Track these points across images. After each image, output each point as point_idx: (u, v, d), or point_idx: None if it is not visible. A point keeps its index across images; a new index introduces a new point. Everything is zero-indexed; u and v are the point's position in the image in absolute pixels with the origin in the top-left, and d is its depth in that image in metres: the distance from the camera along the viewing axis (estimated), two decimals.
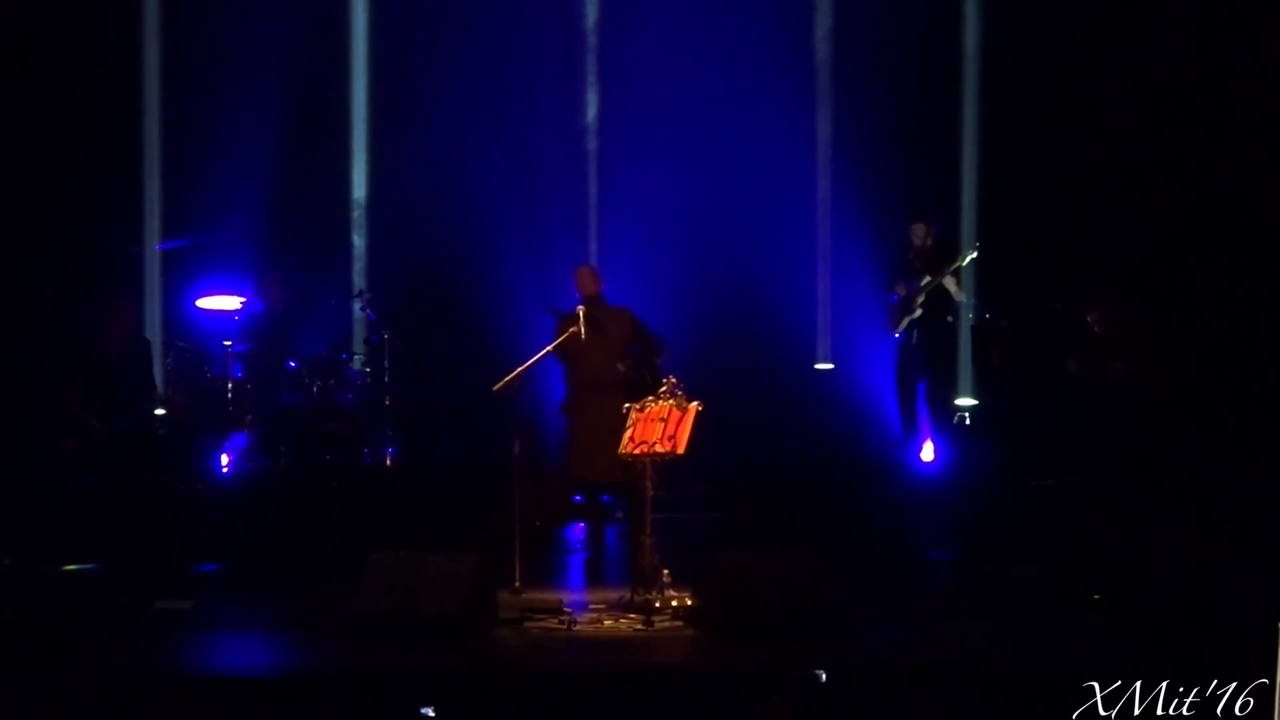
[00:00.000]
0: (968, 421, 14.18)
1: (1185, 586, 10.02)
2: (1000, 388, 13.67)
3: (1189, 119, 14.16)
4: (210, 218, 14.60)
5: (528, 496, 11.10)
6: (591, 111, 15.38)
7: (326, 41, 15.23)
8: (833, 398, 14.78)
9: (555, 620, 9.89)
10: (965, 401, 14.43)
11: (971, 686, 8.44)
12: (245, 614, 10.41)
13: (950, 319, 13.88)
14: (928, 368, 13.75)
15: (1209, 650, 8.48)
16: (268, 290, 13.92)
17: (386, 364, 13.83)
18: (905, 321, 13.72)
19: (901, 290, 13.75)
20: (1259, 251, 13.68)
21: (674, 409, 10.25)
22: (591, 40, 15.38)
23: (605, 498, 11.88)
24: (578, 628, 9.82)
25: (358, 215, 15.31)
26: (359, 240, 15.32)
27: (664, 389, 10.31)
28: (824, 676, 6.96)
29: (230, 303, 13.97)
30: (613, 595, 10.53)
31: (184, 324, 14.46)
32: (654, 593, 10.09)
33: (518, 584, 10.57)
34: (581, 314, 11.33)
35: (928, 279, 13.65)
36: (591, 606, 10.36)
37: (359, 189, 15.36)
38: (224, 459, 13.30)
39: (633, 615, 10.00)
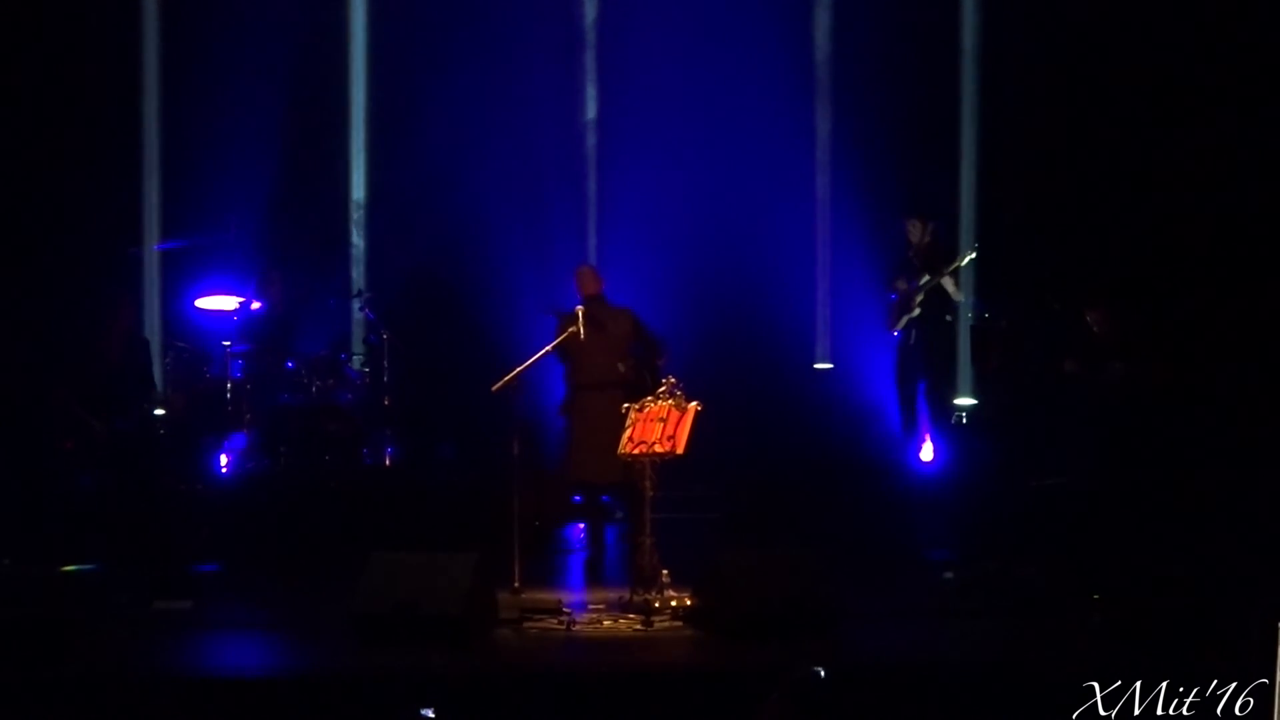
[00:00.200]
0: (965, 421, 14.18)
1: (1185, 586, 10.02)
2: (999, 388, 13.66)
3: (1189, 118, 14.16)
4: (210, 218, 14.60)
5: (527, 497, 11.08)
6: (591, 110, 15.38)
7: (326, 42, 15.22)
8: (832, 397, 14.77)
9: (555, 620, 9.88)
10: (964, 401, 14.44)
11: (971, 686, 8.44)
12: (245, 614, 10.41)
13: (949, 318, 13.88)
14: (927, 367, 13.74)
15: (1209, 650, 8.48)
16: (267, 290, 13.91)
17: (386, 364, 13.84)
18: (904, 320, 13.71)
19: (901, 287, 13.75)
20: (1259, 251, 13.69)
21: (673, 409, 10.24)
22: (590, 39, 15.38)
23: (605, 498, 11.88)
24: (577, 628, 9.82)
25: (357, 217, 15.31)
26: (359, 240, 15.32)
27: (663, 389, 10.30)
28: (823, 673, 6.94)
29: (229, 303, 13.97)
30: (612, 595, 10.52)
31: (183, 324, 14.46)
32: (653, 593, 10.08)
33: (517, 584, 10.56)
34: (580, 314, 11.32)
35: (926, 278, 13.65)
36: (591, 607, 10.36)
37: (359, 189, 15.36)
38: (223, 459, 13.30)
39: (632, 615, 9.99)
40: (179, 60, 14.92)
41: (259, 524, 12.38)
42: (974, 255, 13.94)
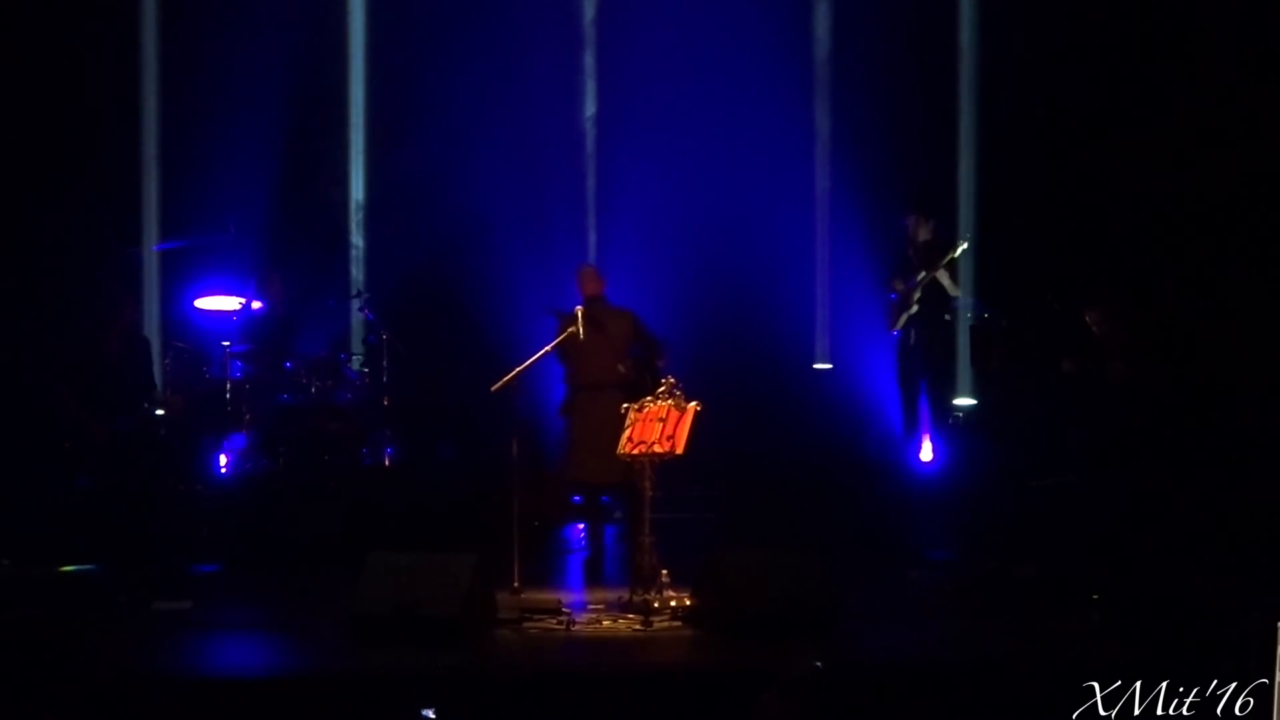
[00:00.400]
0: (965, 421, 14.17)
1: (1185, 586, 10.02)
2: (999, 388, 13.66)
3: (1188, 117, 14.16)
4: (209, 218, 14.58)
5: (527, 497, 11.08)
6: (590, 109, 15.38)
7: (325, 41, 15.22)
8: (832, 397, 14.76)
9: (554, 620, 9.88)
10: (964, 401, 14.43)
11: (971, 686, 8.43)
12: (244, 614, 10.41)
13: (948, 317, 13.88)
14: (927, 367, 13.74)
15: (1209, 650, 8.47)
16: (267, 291, 13.91)
17: (385, 364, 13.83)
18: (903, 318, 13.72)
19: (900, 287, 13.76)
20: (1259, 250, 13.68)
21: (672, 409, 10.23)
22: (590, 38, 15.38)
23: (604, 498, 11.88)
24: (576, 628, 9.81)
25: (358, 217, 15.30)
26: (359, 240, 15.32)
27: (662, 389, 10.30)
28: (820, 666, 6.95)
29: (229, 303, 13.96)
30: (611, 595, 10.52)
31: (183, 324, 14.45)
32: (653, 593, 10.08)
33: (517, 584, 10.56)
34: (580, 314, 11.31)
35: (923, 274, 13.66)
36: (590, 607, 10.36)
37: (359, 189, 15.36)
38: (223, 459, 13.29)
39: (631, 615, 9.99)
40: (179, 60, 14.92)
41: (259, 524, 12.37)
42: (965, 246, 13.90)
